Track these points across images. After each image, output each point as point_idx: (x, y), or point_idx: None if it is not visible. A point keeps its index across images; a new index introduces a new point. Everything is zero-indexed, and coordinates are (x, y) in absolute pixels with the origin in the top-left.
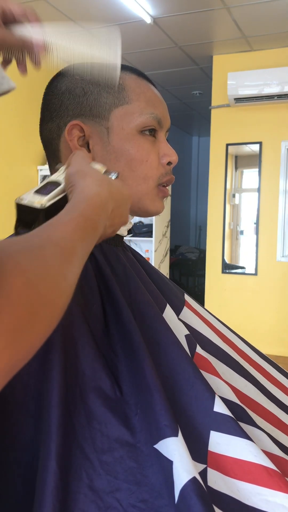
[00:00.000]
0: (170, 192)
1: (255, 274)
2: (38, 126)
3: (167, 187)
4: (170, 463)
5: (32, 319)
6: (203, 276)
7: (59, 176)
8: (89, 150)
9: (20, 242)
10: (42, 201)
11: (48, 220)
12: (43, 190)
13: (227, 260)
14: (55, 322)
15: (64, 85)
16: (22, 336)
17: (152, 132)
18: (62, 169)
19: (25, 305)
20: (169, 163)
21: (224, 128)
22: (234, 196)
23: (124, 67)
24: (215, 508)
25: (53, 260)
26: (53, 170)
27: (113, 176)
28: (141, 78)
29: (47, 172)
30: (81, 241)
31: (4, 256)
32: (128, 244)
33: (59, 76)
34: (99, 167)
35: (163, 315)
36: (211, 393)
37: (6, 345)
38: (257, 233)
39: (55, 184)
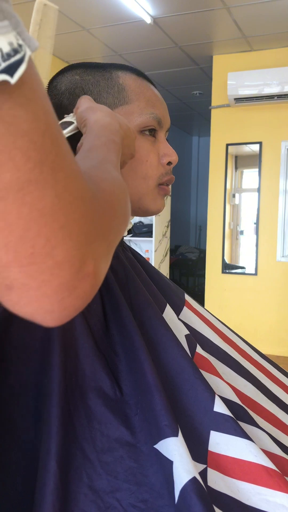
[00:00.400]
0: (170, 192)
1: (255, 274)
2: None
3: (168, 186)
4: (170, 463)
5: (121, 210)
6: (203, 276)
7: (71, 118)
8: None
9: (84, 161)
10: None
11: (82, 148)
12: None
13: (227, 260)
14: (128, 217)
15: (64, 85)
16: (120, 221)
17: (152, 132)
18: (71, 114)
19: (116, 200)
20: (169, 163)
21: (224, 128)
22: (234, 196)
23: (124, 67)
24: (215, 508)
25: (113, 171)
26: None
27: None
28: (141, 78)
29: None
30: (117, 161)
31: (85, 171)
32: (128, 244)
33: (59, 76)
34: None
35: (163, 315)
36: (211, 393)
37: (116, 227)
38: (257, 233)
39: (68, 123)
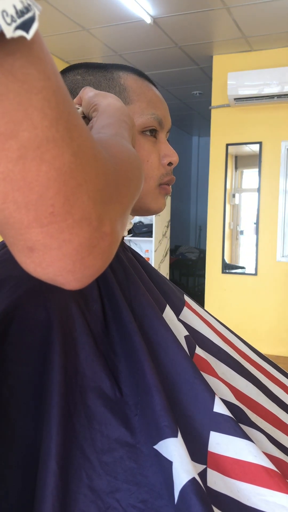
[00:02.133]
0: (170, 191)
1: (255, 274)
2: None
3: (168, 186)
4: (169, 463)
5: (133, 175)
6: (203, 276)
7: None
8: None
9: (97, 135)
10: None
11: (94, 127)
12: None
13: (227, 260)
14: (141, 183)
15: (66, 85)
16: (133, 185)
17: (153, 132)
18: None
19: (128, 165)
20: (169, 164)
21: (224, 128)
22: (234, 196)
23: (125, 67)
24: (215, 509)
25: (125, 142)
26: None
27: None
28: (142, 79)
29: None
30: (129, 138)
31: (97, 139)
32: (128, 244)
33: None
34: None
35: (163, 315)
36: (211, 393)
37: (129, 190)
38: (257, 233)
39: None
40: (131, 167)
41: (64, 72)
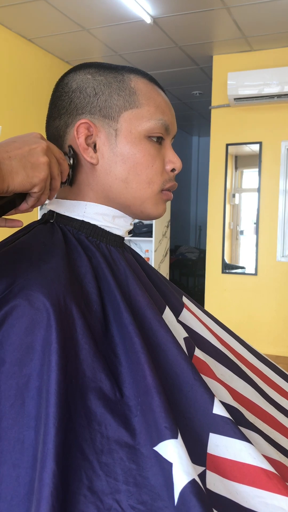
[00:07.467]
0: (172, 197)
1: (255, 274)
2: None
3: (170, 192)
4: (169, 465)
5: None
6: (203, 276)
7: None
8: (95, 150)
9: None
10: None
11: None
12: None
13: (227, 260)
14: None
15: (75, 83)
16: None
17: (159, 138)
18: None
19: None
20: (172, 170)
21: (224, 128)
22: (234, 196)
23: (136, 71)
24: (214, 511)
25: None
26: None
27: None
28: (152, 83)
29: None
30: None
31: None
32: (128, 244)
33: (70, 74)
34: None
35: (163, 316)
36: (210, 395)
37: None
38: (257, 233)
39: None
40: None
41: (74, 70)
